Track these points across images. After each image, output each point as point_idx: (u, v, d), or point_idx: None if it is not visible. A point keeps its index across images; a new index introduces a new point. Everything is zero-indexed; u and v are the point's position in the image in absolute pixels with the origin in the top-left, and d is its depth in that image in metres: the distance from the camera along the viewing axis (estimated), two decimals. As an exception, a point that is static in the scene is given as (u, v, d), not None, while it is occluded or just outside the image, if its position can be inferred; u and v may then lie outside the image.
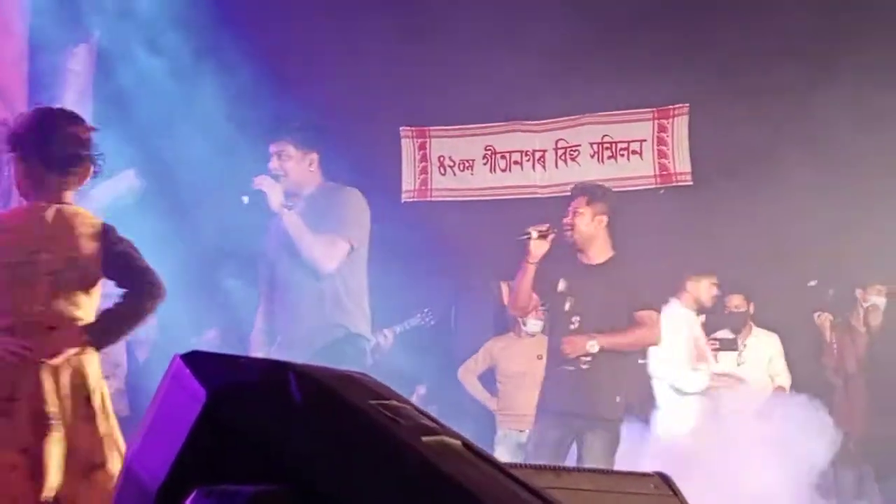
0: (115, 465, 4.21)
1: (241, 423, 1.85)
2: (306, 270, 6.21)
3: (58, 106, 4.86)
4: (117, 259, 4.41)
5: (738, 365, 8.92)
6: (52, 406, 4.23)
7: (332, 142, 9.88)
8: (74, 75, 10.58)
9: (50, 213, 4.43)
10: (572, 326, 7.08)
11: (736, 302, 8.93)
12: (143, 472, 1.92)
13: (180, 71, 9.97)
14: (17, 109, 10.19)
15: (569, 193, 7.43)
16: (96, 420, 4.29)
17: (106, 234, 4.44)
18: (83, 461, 4.22)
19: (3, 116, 10.11)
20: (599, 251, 7.28)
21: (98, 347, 4.35)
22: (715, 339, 8.96)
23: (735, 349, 8.98)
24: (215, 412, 1.84)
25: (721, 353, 8.89)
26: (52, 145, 4.42)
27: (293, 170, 6.52)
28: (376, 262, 9.30)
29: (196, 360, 1.95)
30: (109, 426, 4.33)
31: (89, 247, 4.39)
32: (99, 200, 10.35)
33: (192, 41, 9.73)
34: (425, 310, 9.35)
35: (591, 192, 7.40)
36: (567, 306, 7.14)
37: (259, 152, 8.41)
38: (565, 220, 7.27)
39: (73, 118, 4.57)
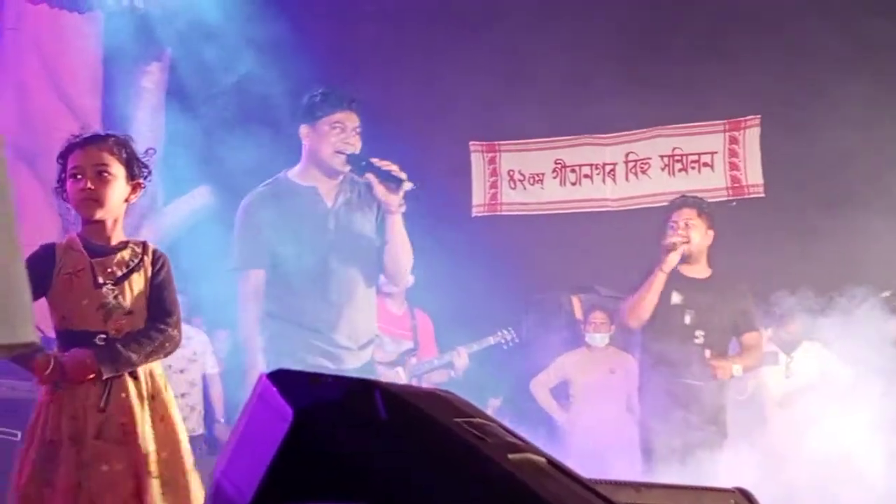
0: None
1: (328, 442, 1.86)
2: (369, 275, 5.93)
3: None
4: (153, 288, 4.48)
5: (787, 377, 8.85)
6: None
7: (402, 156, 9.95)
8: (147, 92, 10.70)
9: None
10: (697, 341, 7.05)
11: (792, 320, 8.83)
12: (232, 490, 1.93)
13: (251, 87, 10.04)
14: (91, 127, 10.33)
15: (640, 207, 7.38)
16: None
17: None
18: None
19: (78, 135, 10.27)
20: (704, 266, 7.25)
21: (99, 376, 4.36)
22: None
23: (777, 363, 8.90)
24: (302, 431, 1.85)
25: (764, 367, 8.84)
26: None
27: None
28: (447, 276, 9.32)
29: (282, 379, 1.96)
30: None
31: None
32: (174, 217, 10.49)
33: (263, 55, 9.80)
34: (505, 329, 9.31)
35: (699, 205, 7.34)
36: (687, 320, 7.09)
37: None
38: (679, 231, 7.17)
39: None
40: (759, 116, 10.32)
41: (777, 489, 6.03)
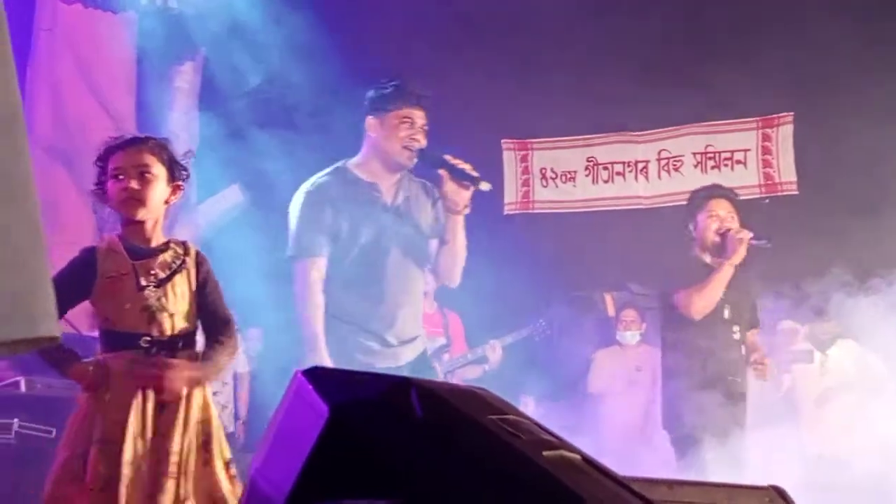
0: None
1: (364, 439, 1.87)
2: (420, 274, 5.87)
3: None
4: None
5: (822, 375, 8.82)
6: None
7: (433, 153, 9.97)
8: (181, 92, 10.74)
9: None
10: (735, 336, 6.98)
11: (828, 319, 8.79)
12: (268, 487, 1.95)
13: (284, 86, 10.07)
14: (125, 127, 10.38)
15: (673, 204, 7.29)
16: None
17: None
18: None
19: (113, 135, 10.32)
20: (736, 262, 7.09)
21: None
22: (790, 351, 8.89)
23: (811, 361, 8.87)
24: (338, 428, 1.86)
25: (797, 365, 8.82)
26: None
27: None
28: (479, 273, 9.32)
29: (317, 376, 1.97)
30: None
31: None
32: (207, 215, 10.53)
33: (296, 55, 9.82)
34: (540, 321, 9.32)
35: (730, 197, 7.21)
36: (726, 314, 7.00)
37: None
38: (727, 224, 6.97)
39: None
40: (792, 114, 10.27)
41: (816, 488, 6.02)
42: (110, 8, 10.28)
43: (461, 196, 5.61)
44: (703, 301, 6.81)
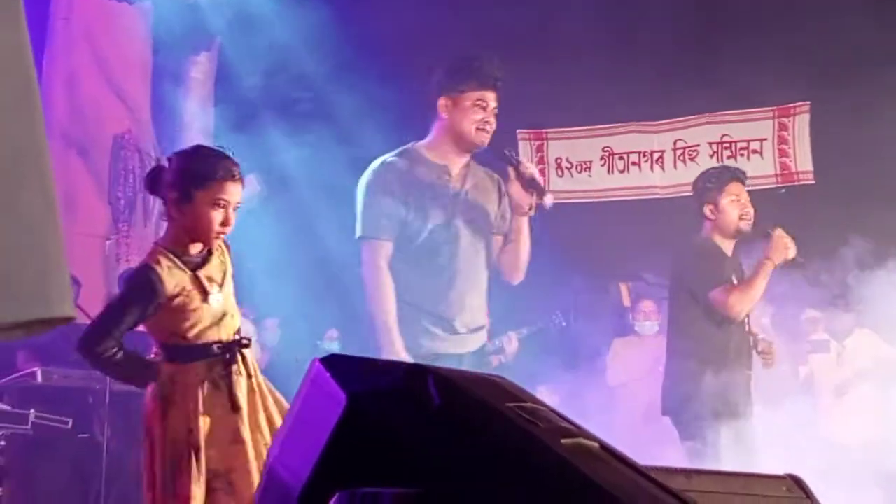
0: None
1: (382, 426, 1.87)
2: (486, 262, 5.66)
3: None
4: None
5: (839, 366, 8.81)
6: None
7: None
8: (196, 83, 10.75)
9: None
10: (745, 328, 6.91)
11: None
12: (286, 475, 1.94)
13: (300, 76, 10.08)
14: (140, 118, 10.41)
15: (688, 194, 7.16)
16: None
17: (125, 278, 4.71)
18: None
19: (128, 126, 10.35)
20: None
21: None
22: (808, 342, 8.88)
23: (828, 351, 8.85)
24: (356, 415, 1.86)
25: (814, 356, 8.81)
26: None
27: None
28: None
29: (335, 364, 1.97)
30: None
31: None
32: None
33: (312, 44, 9.82)
34: (557, 312, 9.32)
35: (742, 178, 7.04)
36: None
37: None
38: (748, 209, 6.70)
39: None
40: (808, 103, 10.24)
41: (835, 477, 5.99)
42: (126, -2, 10.30)
43: (526, 199, 5.50)
44: (747, 301, 6.58)
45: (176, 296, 4.33)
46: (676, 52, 9.81)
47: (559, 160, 11.12)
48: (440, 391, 1.92)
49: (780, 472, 3.16)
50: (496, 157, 5.59)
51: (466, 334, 5.48)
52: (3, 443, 7.36)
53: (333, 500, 1.78)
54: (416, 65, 10.60)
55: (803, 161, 10.25)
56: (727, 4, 10.09)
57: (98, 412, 7.41)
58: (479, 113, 5.49)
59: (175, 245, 4.45)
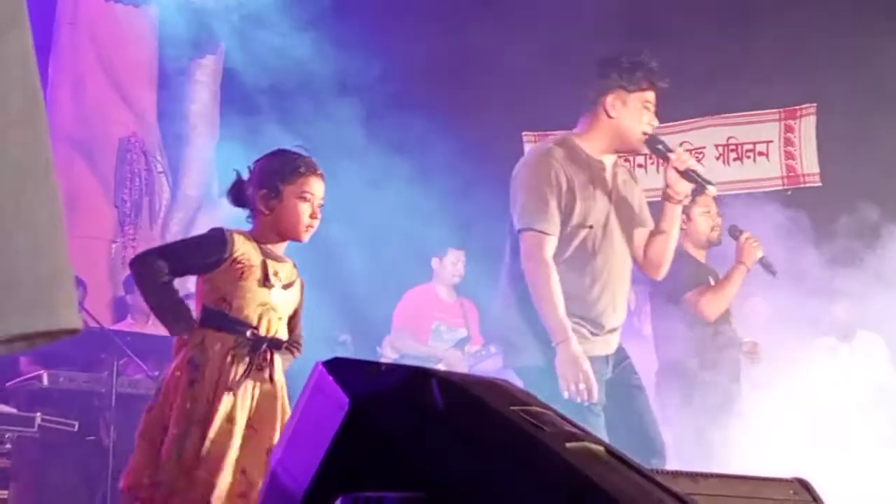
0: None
1: (384, 430, 1.85)
2: (629, 262, 5.51)
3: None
4: None
5: (845, 373, 8.79)
6: None
7: (454, 147, 9.96)
8: (202, 85, 10.76)
9: None
10: (730, 323, 6.94)
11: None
12: (288, 479, 1.93)
13: (305, 77, 10.07)
14: (146, 121, 10.42)
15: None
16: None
17: None
18: None
19: (133, 129, 10.36)
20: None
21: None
22: None
23: (833, 353, 8.84)
24: (358, 419, 1.85)
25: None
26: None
27: None
28: (499, 269, 9.29)
29: (338, 367, 1.96)
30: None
31: None
32: (228, 210, 10.53)
33: (317, 46, 9.82)
34: None
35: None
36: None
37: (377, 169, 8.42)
38: (717, 220, 7.00)
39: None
40: (815, 105, 10.22)
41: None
42: (132, 1, 10.31)
43: (683, 186, 5.36)
44: (720, 303, 6.78)
45: (238, 261, 4.45)
46: (682, 54, 9.80)
47: (565, 162, 11.10)
48: (444, 395, 1.91)
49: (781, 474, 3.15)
50: (650, 148, 5.42)
51: (609, 334, 5.33)
52: (9, 446, 7.37)
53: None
54: (421, 68, 10.63)
55: (809, 163, 10.23)
56: (734, 6, 10.07)
57: (104, 415, 7.41)
58: (646, 115, 5.34)
59: (260, 237, 4.58)
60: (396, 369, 2.03)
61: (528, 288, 5.15)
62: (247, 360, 4.44)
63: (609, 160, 5.38)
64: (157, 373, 7.64)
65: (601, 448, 2.00)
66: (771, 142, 10.41)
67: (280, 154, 4.64)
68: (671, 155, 5.30)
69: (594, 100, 5.37)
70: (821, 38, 9.66)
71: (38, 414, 7.22)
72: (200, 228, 10.65)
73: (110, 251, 10.07)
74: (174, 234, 10.46)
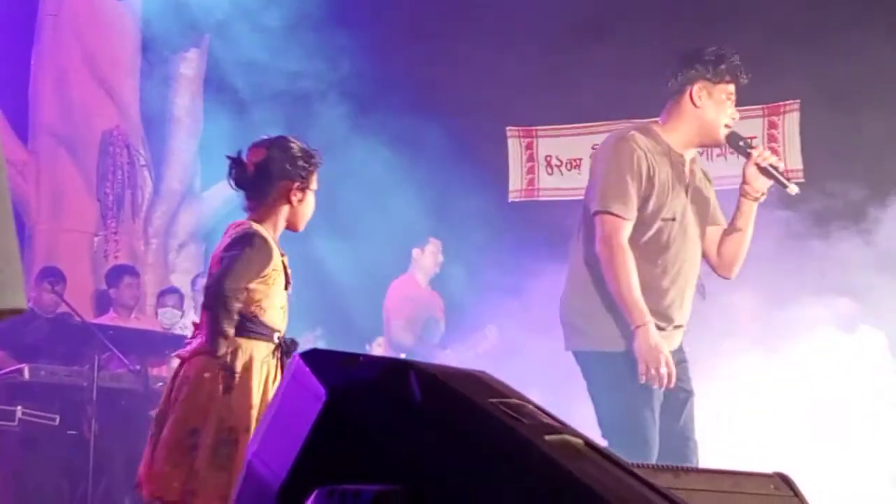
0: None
1: (362, 422, 1.84)
2: (699, 258, 5.34)
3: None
4: (226, 257, 4.43)
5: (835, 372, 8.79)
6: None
7: (439, 141, 9.96)
8: (186, 79, 10.73)
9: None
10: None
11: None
12: (265, 471, 1.92)
13: (293, 70, 10.07)
14: (129, 114, 10.39)
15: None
16: (171, 419, 4.39)
17: (233, 234, 4.47)
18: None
19: (117, 122, 10.32)
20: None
21: (211, 353, 4.37)
22: None
23: (829, 349, 8.83)
24: (336, 411, 1.84)
25: None
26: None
27: None
28: (484, 261, 9.31)
29: (316, 359, 1.94)
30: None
31: (219, 252, 4.48)
32: (211, 203, 10.52)
33: (302, 41, 9.81)
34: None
35: None
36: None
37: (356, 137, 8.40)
38: None
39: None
40: (798, 101, 10.23)
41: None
42: (115, -6, 10.28)
43: (762, 183, 5.27)
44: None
45: (275, 269, 4.44)
46: (666, 50, 9.79)
47: (549, 158, 11.10)
48: (422, 387, 1.90)
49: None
50: (731, 144, 5.35)
51: (675, 331, 5.25)
52: (-10, 439, 7.36)
53: (312, 496, 1.76)
54: (408, 64, 10.62)
55: (793, 159, 10.23)
56: (717, 2, 10.08)
57: (85, 409, 7.39)
58: (729, 108, 5.24)
59: (269, 228, 4.50)
60: (375, 360, 2.02)
61: (599, 271, 5.04)
62: (276, 365, 4.41)
63: (689, 154, 5.30)
64: (138, 367, 7.63)
65: (580, 441, 1.98)
66: (755, 138, 10.40)
67: (291, 142, 4.59)
68: (752, 151, 5.24)
69: (678, 90, 5.24)
70: (804, 35, 9.67)
71: (19, 407, 7.21)
72: (182, 222, 10.67)
73: (93, 245, 10.04)
74: (156, 227, 10.43)
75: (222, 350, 4.32)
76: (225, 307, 4.31)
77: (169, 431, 4.32)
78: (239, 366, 4.33)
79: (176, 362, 4.62)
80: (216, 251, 4.51)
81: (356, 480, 1.78)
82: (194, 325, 4.59)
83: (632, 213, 5.01)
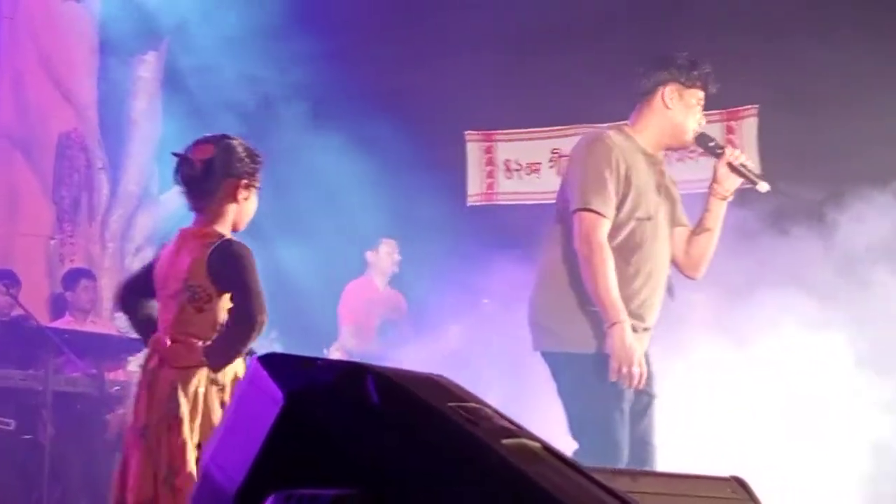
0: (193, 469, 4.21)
1: (320, 426, 1.83)
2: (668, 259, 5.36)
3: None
4: (225, 277, 4.32)
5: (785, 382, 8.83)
6: (143, 418, 4.27)
7: (398, 146, 9.95)
8: (144, 82, 10.68)
9: (173, 239, 4.49)
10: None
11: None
12: (220, 475, 1.91)
13: (252, 74, 10.04)
14: (86, 116, 10.32)
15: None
16: (180, 428, 4.23)
17: (219, 250, 4.34)
18: (164, 468, 4.21)
19: (74, 125, 10.25)
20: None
21: (214, 369, 4.27)
22: None
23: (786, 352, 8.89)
24: (293, 414, 1.83)
25: None
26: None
27: None
28: (443, 264, 9.30)
29: (273, 362, 1.93)
30: (187, 435, 4.26)
31: (198, 263, 4.32)
32: (168, 207, 10.46)
33: (262, 44, 9.78)
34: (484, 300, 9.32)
35: None
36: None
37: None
38: None
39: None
40: (756, 106, 10.28)
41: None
42: (73, -5, 10.22)
43: (732, 182, 5.28)
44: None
45: None
46: (625, 54, 9.83)
47: (508, 162, 11.11)
48: (379, 390, 1.89)
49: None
50: (702, 145, 5.36)
51: (644, 333, 5.24)
52: (-56, 444, 7.30)
53: (269, 501, 1.75)
54: (362, 67, 10.61)
55: (751, 164, 10.27)
56: (678, 7, 10.11)
57: (41, 413, 7.34)
58: (699, 113, 5.26)
59: (224, 229, 4.43)
60: (332, 364, 2.01)
61: (573, 271, 5.07)
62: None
63: (660, 154, 5.31)
64: (94, 371, 7.58)
65: (538, 444, 1.98)
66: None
67: (234, 140, 4.51)
68: (725, 151, 5.26)
69: (649, 91, 5.28)
70: (763, 40, 9.73)
71: (-27, 413, 7.16)
72: (140, 225, 10.60)
73: (48, 248, 9.98)
74: (113, 231, 10.37)
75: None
76: (257, 335, 4.25)
77: (177, 443, 4.19)
78: (228, 381, 4.17)
79: (134, 366, 4.56)
80: (181, 258, 4.38)
81: (314, 484, 1.77)
82: (168, 329, 4.39)
83: (611, 211, 5.04)
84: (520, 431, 1.98)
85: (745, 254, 7.55)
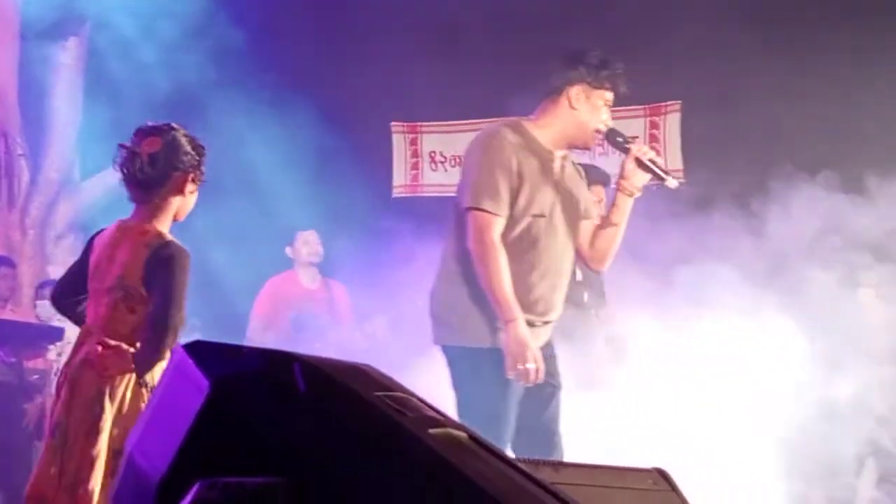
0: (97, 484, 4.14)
1: (245, 414, 1.83)
2: (572, 255, 5.41)
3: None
4: (156, 280, 4.26)
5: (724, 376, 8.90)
6: (59, 414, 4.20)
7: (323, 135, 9.93)
8: (65, 68, 10.56)
9: (111, 230, 4.43)
10: (594, 319, 6.93)
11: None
12: (144, 464, 1.89)
13: (174, 62, 9.97)
14: (6, 102, 10.19)
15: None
16: (98, 437, 4.16)
17: (157, 255, 4.28)
18: (71, 475, 4.13)
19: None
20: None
21: (139, 375, 4.21)
22: None
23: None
24: (218, 402, 1.82)
25: None
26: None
27: None
28: (366, 256, 9.29)
29: (199, 350, 1.92)
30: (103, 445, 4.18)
31: (134, 263, 4.28)
32: (90, 194, 10.36)
33: (184, 31, 9.71)
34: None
35: (606, 181, 7.08)
36: (585, 298, 6.88)
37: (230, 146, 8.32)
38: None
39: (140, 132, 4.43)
40: (679, 102, 10.35)
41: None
42: (-9, -19, 10.09)
43: (640, 178, 5.26)
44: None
45: None
46: (549, 48, 9.86)
47: (433, 154, 11.11)
48: (306, 378, 1.88)
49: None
50: (610, 141, 5.38)
51: (541, 328, 5.26)
52: None
53: (194, 489, 1.74)
54: (290, 57, 10.56)
55: (673, 160, 10.34)
56: (601, 3, 10.16)
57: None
58: (604, 113, 5.28)
59: (164, 225, 4.40)
60: (259, 352, 2.00)
61: (471, 267, 5.09)
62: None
63: (559, 152, 5.34)
64: (13, 359, 7.50)
65: (464, 434, 1.99)
66: (636, 138, 10.48)
67: (179, 131, 4.44)
68: (632, 146, 5.30)
69: (557, 89, 5.29)
70: (685, 34, 9.79)
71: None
72: (61, 213, 10.49)
73: (-34, 235, 9.86)
74: (34, 218, 10.26)
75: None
76: (174, 339, 4.17)
77: (92, 451, 4.15)
78: (156, 381, 4.13)
79: (54, 354, 4.51)
80: (119, 253, 4.34)
81: (240, 473, 1.77)
82: (100, 329, 4.33)
83: (504, 210, 5.09)
84: (446, 421, 1.98)
85: (675, 236, 7.59)
